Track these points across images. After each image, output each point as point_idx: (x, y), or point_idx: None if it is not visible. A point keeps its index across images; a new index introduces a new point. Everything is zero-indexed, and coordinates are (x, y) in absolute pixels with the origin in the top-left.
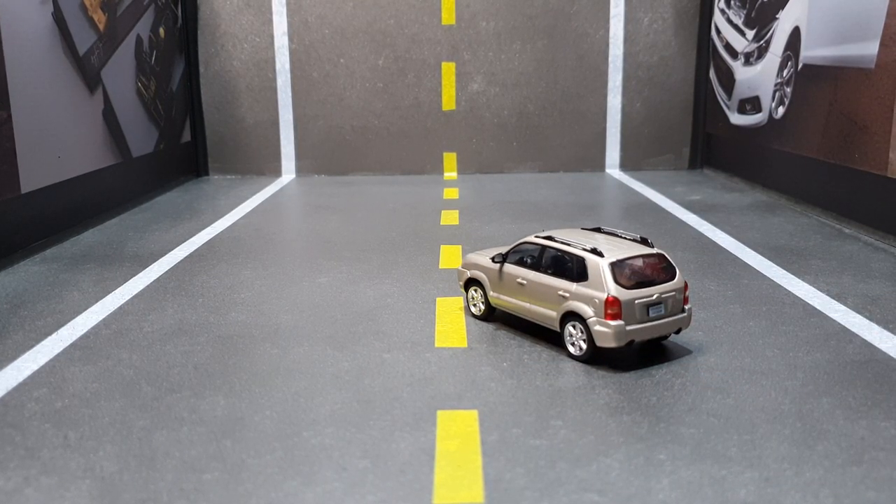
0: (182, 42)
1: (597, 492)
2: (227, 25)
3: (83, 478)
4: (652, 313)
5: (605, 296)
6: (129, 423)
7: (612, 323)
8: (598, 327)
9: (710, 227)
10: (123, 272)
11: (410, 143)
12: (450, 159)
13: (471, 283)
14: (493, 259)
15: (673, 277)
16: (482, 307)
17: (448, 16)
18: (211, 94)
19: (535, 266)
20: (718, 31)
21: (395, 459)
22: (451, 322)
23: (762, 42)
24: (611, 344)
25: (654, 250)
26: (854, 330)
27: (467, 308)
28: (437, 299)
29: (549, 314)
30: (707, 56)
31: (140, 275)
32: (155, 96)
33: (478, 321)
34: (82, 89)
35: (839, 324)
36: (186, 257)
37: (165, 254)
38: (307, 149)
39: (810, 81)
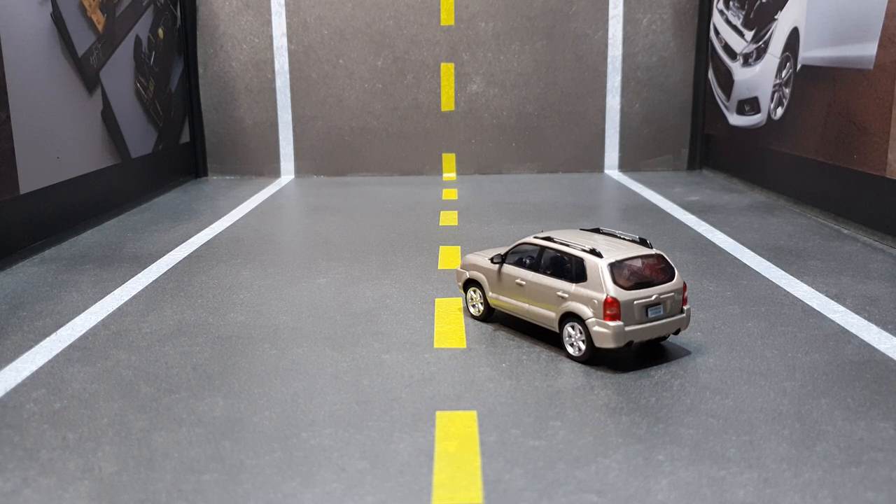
0: (181, 43)
1: (596, 492)
2: (226, 26)
3: (82, 479)
4: (651, 314)
5: (604, 296)
6: (128, 423)
7: (611, 324)
8: (596, 328)
9: (709, 227)
10: (122, 273)
11: (409, 144)
12: (449, 160)
13: (470, 283)
14: (491, 260)
15: (672, 278)
16: (481, 308)
17: (447, 17)
18: (210, 94)
19: (534, 267)
20: (717, 32)
21: (393, 460)
22: (450, 323)
23: (761, 43)
24: (610, 345)
25: (653, 251)
26: (853, 330)
27: (466, 309)
28: (436, 300)
29: (547, 315)
30: (706, 57)
31: (139, 275)
32: (154, 97)
33: (477, 322)
34: (81, 90)
35: (838, 324)
36: (185, 258)
37: (164, 254)
38: (306, 150)
39: (809, 82)
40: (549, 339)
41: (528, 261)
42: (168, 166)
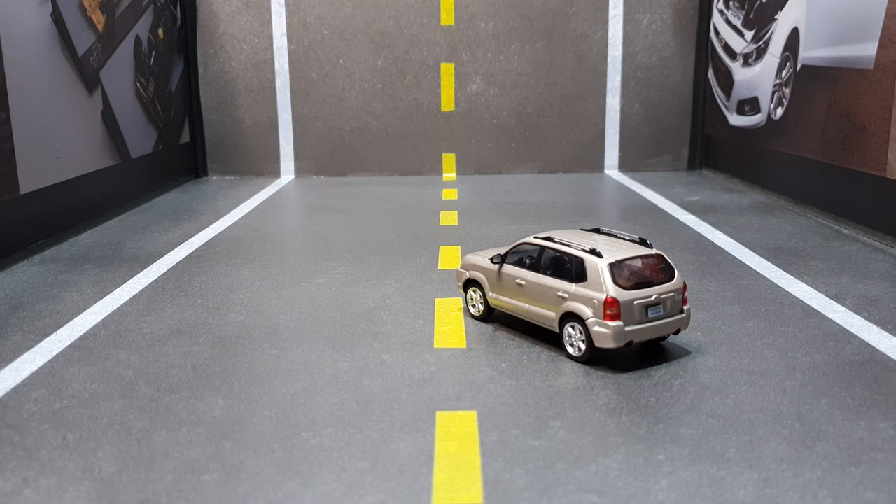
0: (181, 43)
1: (596, 492)
2: (226, 26)
3: (82, 479)
4: (651, 314)
5: (604, 296)
6: (128, 423)
7: (611, 324)
8: (596, 328)
9: (709, 227)
10: (122, 273)
11: (409, 144)
12: (449, 160)
13: (470, 283)
14: (492, 260)
15: (672, 278)
16: (481, 308)
17: (447, 17)
18: (210, 94)
19: (534, 267)
20: (717, 32)
21: (393, 460)
22: (450, 323)
23: (761, 43)
24: (610, 345)
25: (653, 251)
26: (853, 330)
27: (466, 309)
28: (436, 300)
29: (547, 315)
30: (706, 57)
31: (139, 276)
32: (154, 97)
33: (477, 322)
34: (81, 90)
35: (838, 324)
36: (185, 258)
37: (164, 254)
38: (306, 150)
39: (809, 82)
40: (549, 339)
41: (528, 261)
42: (168, 166)
